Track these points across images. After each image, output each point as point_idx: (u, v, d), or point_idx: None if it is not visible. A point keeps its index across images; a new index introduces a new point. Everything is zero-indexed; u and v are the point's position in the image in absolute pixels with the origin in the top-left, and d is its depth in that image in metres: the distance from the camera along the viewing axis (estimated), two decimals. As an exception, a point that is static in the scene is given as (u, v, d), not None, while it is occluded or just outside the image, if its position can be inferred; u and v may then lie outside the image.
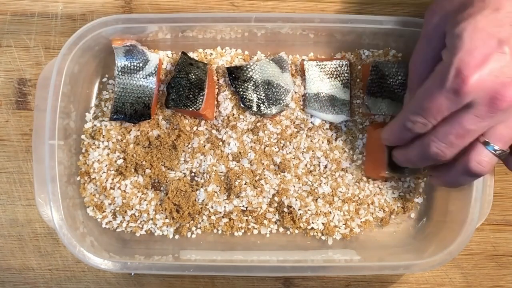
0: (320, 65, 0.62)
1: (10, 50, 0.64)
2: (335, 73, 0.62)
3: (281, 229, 0.62)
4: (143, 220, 0.62)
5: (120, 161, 0.61)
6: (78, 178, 0.62)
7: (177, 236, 0.62)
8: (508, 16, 0.41)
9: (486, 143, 0.46)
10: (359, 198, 0.62)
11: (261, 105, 0.61)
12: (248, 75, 0.61)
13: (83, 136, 0.62)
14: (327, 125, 0.62)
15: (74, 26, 0.64)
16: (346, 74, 0.62)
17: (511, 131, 0.46)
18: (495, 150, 0.46)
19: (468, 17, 0.42)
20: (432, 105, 0.44)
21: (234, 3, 0.65)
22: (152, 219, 0.62)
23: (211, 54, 0.63)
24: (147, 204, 0.62)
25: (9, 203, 0.64)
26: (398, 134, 0.52)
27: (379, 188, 0.62)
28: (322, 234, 0.62)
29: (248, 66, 0.61)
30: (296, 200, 0.61)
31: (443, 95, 0.43)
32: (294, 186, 0.62)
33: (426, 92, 0.45)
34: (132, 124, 0.61)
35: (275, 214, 0.62)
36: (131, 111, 0.60)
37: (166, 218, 0.62)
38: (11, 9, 0.64)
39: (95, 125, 0.62)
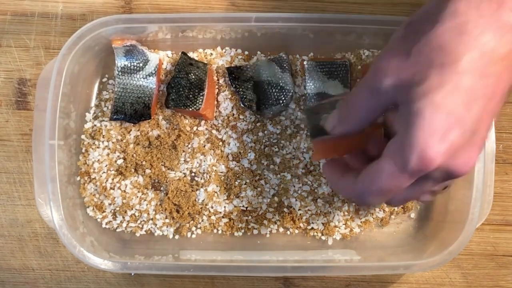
0: (320, 65, 0.62)
1: (10, 50, 0.64)
2: (335, 73, 0.62)
3: (281, 229, 0.62)
4: (143, 220, 0.62)
5: (120, 161, 0.61)
6: (78, 178, 0.62)
7: (177, 236, 0.62)
8: (468, 93, 0.39)
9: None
10: (359, 198, 0.62)
11: (261, 105, 0.61)
12: (248, 75, 0.61)
13: (83, 136, 0.62)
14: (327, 125, 0.62)
15: (74, 26, 0.64)
16: (346, 74, 0.62)
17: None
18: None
19: (426, 93, 0.40)
20: (392, 184, 0.43)
21: (234, 3, 0.65)
22: (152, 219, 0.62)
23: (211, 54, 0.63)
24: (147, 204, 0.62)
25: (9, 203, 0.64)
26: (356, 199, 0.50)
27: (379, 188, 0.62)
28: (322, 234, 0.62)
29: (248, 66, 0.61)
30: (296, 200, 0.61)
31: (404, 176, 0.42)
32: (294, 186, 0.62)
33: (383, 172, 0.43)
34: (132, 124, 0.61)
35: (275, 214, 0.62)
36: (131, 111, 0.60)
37: (166, 218, 0.62)
38: (11, 9, 0.64)
39: (95, 125, 0.62)
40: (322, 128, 0.50)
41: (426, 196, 0.48)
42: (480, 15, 0.40)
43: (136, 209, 0.62)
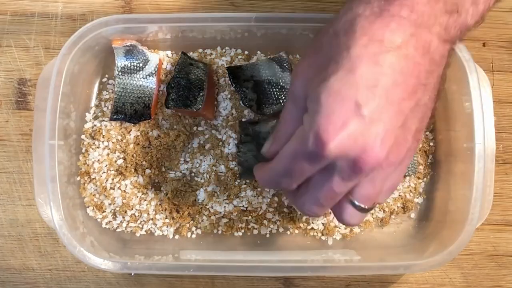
0: (320, 65, 0.62)
1: (10, 50, 0.64)
2: (335, 73, 0.62)
3: (281, 229, 0.62)
4: (143, 220, 0.62)
5: (120, 161, 0.61)
6: (78, 178, 0.62)
7: (177, 236, 0.62)
8: (363, 78, 0.39)
9: (352, 203, 0.46)
10: (359, 198, 0.62)
11: (261, 104, 0.61)
12: (248, 75, 0.61)
13: (83, 136, 0.62)
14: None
15: (74, 26, 0.64)
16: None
17: (376, 190, 0.45)
18: (361, 208, 0.46)
19: (323, 80, 0.41)
20: (295, 167, 0.44)
21: (234, 3, 0.65)
22: (152, 219, 0.62)
23: (211, 54, 0.63)
24: (147, 204, 0.62)
25: (9, 203, 0.63)
26: (269, 185, 0.53)
27: (379, 188, 0.62)
28: (322, 234, 0.62)
29: (248, 66, 0.61)
30: (296, 200, 0.61)
31: (304, 159, 0.43)
32: (294, 186, 0.62)
33: (288, 154, 0.45)
34: (132, 124, 0.61)
35: (275, 214, 0.62)
36: (131, 111, 0.60)
37: (166, 218, 0.62)
38: (11, 9, 0.64)
39: (95, 125, 0.62)
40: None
41: (345, 211, 0.47)
42: (370, 9, 0.41)
43: (136, 209, 0.62)
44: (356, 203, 0.46)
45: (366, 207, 0.46)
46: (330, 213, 0.61)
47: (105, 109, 0.63)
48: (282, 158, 0.46)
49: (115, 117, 0.60)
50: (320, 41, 0.44)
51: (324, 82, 0.41)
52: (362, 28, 0.40)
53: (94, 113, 0.63)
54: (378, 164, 0.41)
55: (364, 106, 0.39)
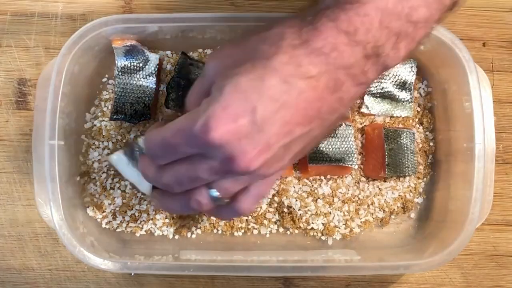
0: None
1: (10, 50, 0.64)
2: (335, 73, 0.62)
3: (281, 229, 0.62)
4: (143, 220, 0.62)
5: (120, 161, 0.61)
6: (78, 178, 0.62)
7: (177, 236, 0.62)
8: (270, 89, 0.41)
9: (209, 187, 0.47)
10: (359, 198, 0.62)
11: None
12: (248, 75, 0.61)
13: (83, 136, 0.62)
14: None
15: (74, 26, 0.64)
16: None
17: (235, 187, 0.47)
18: (214, 197, 0.48)
19: (234, 75, 0.42)
20: (174, 139, 0.45)
21: (234, 3, 0.65)
22: (152, 219, 0.62)
23: (211, 54, 0.63)
24: (147, 204, 0.62)
25: (9, 203, 0.63)
26: (149, 150, 0.51)
27: (379, 189, 0.62)
28: (322, 234, 0.62)
29: (248, 66, 0.61)
30: (296, 200, 0.61)
31: (186, 136, 0.44)
32: (294, 187, 0.62)
33: (175, 126, 0.46)
34: (132, 124, 0.61)
35: (275, 214, 0.62)
36: (131, 111, 0.60)
37: (166, 218, 0.62)
38: (11, 9, 0.64)
39: (95, 125, 0.62)
40: (321, 151, 0.57)
41: (197, 193, 0.48)
42: (299, 34, 0.42)
43: (136, 209, 0.61)
44: (213, 189, 0.47)
45: (219, 198, 0.48)
46: (330, 213, 0.62)
47: (105, 109, 0.63)
48: (168, 126, 0.46)
49: (115, 117, 0.60)
50: (250, 38, 0.45)
51: (235, 76, 0.42)
52: (287, 47, 0.42)
53: (94, 113, 0.63)
54: (247, 171, 0.43)
55: (260, 113, 0.41)
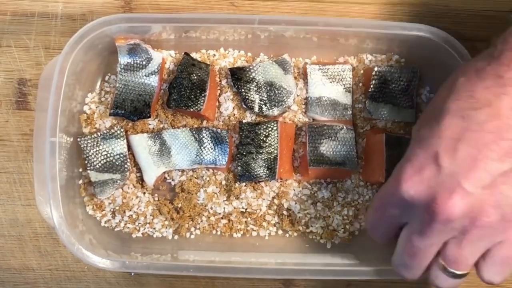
0: (322, 69, 0.61)
1: (10, 50, 0.64)
2: (338, 77, 0.61)
3: (280, 232, 0.62)
4: (140, 223, 0.62)
5: (120, 163, 0.61)
6: (78, 178, 0.62)
7: (176, 237, 0.62)
8: (448, 130, 0.41)
9: (443, 267, 0.45)
10: (358, 203, 0.62)
11: (263, 106, 0.61)
12: (251, 76, 0.61)
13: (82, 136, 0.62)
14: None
15: (74, 26, 0.63)
16: (348, 79, 0.61)
17: (461, 251, 0.44)
18: (455, 275, 0.45)
19: (421, 127, 0.44)
20: (384, 212, 0.47)
21: (234, 3, 0.64)
22: (149, 223, 0.62)
23: (214, 55, 0.63)
24: (146, 204, 0.62)
25: (9, 203, 0.64)
26: (372, 233, 0.53)
27: (379, 193, 0.62)
28: (321, 238, 0.62)
29: (251, 67, 0.61)
30: (296, 203, 0.61)
31: (387, 201, 0.45)
32: (294, 190, 0.62)
33: (379, 196, 0.48)
34: (132, 122, 0.61)
35: (274, 217, 0.62)
36: (131, 108, 0.60)
37: (165, 219, 0.62)
38: (11, 9, 0.63)
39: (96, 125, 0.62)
40: (322, 154, 0.59)
41: (436, 276, 0.46)
42: (474, 69, 0.42)
43: (134, 211, 0.62)
44: (448, 268, 0.45)
45: (458, 273, 0.45)
46: (330, 216, 0.62)
47: (106, 109, 0.62)
48: (375, 200, 0.48)
49: (114, 111, 0.60)
50: (438, 91, 0.46)
51: (420, 128, 0.43)
52: (460, 84, 0.42)
53: (95, 112, 0.63)
54: (449, 216, 0.40)
55: (443, 156, 0.40)
